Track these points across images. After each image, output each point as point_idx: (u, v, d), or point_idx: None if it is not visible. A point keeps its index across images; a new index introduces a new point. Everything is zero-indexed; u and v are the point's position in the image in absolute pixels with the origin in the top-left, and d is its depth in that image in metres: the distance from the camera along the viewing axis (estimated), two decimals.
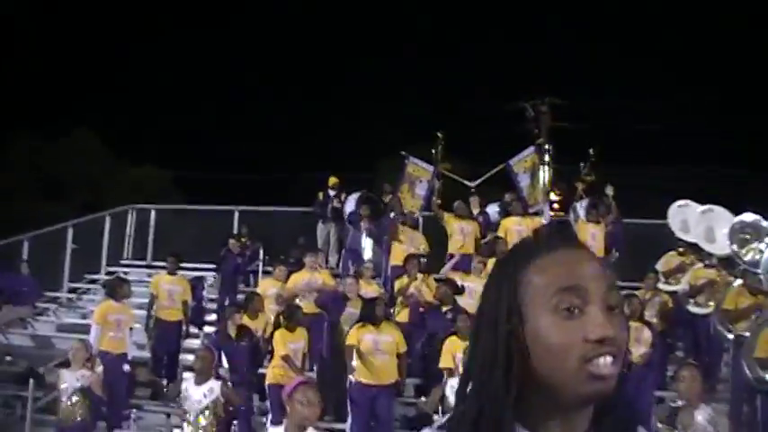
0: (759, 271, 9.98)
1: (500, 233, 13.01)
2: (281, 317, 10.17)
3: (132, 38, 28.91)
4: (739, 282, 10.51)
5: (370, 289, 11.45)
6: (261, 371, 10.53)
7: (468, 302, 10.96)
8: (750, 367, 9.53)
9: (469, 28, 28.06)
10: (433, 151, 13.91)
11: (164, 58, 29.38)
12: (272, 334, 10.23)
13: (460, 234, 12.93)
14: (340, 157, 21.37)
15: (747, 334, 10.02)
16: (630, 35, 28.38)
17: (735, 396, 10.72)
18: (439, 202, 13.51)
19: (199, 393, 7.60)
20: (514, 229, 12.92)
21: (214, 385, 7.65)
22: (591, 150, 13.92)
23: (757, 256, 9.98)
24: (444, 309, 10.68)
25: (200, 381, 7.73)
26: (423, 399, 9.85)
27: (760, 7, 25.27)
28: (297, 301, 11.29)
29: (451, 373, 8.88)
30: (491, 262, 12.10)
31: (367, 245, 13.13)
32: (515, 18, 28.15)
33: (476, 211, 13.59)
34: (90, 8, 28.05)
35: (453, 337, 9.40)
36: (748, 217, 10.48)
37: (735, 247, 10.14)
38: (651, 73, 27.28)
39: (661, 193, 13.60)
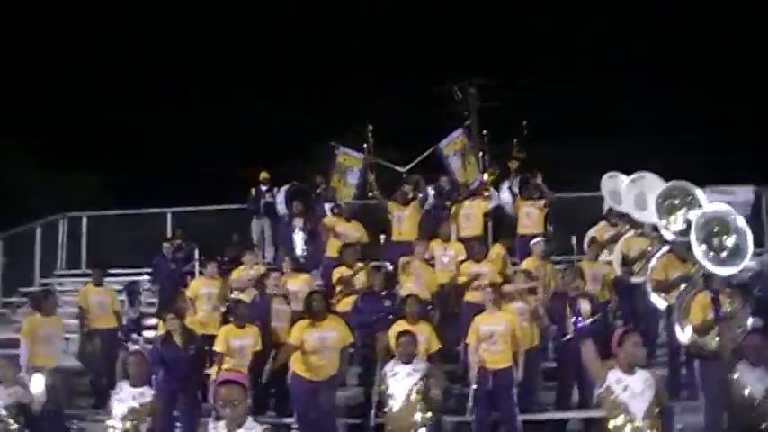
0: (688, 239, 10.09)
1: (452, 219, 13.05)
2: (228, 314, 10.08)
3: (49, 37, 28.10)
4: (666, 249, 10.65)
5: (297, 282, 11.30)
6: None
7: (411, 287, 11.05)
8: (684, 334, 9.70)
9: (392, 12, 27.95)
10: (365, 145, 13.87)
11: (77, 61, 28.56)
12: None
13: (397, 221, 12.94)
14: (271, 150, 21.22)
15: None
16: (558, 11, 28.63)
17: (671, 359, 10.96)
18: (376, 192, 13.44)
19: (129, 397, 7.53)
20: (462, 213, 12.99)
21: (145, 391, 7.60)
22: (524, 123, 14.02)
23: (684, 225, 10.09)
24: (382, 293, 10.62)
25: (134, 384, 7.67)
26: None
27: None
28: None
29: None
30: (434, 244, 12.19)
31: (298, 239, 13.04)
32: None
33: (410, 197, 13.58)
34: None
35: (401, 321, 9.41)
36: (676, 183, 10.57)
37: (662, 216, 10.18)
38: (578, 49, 27.56)
39: (589, 167, 13.65)
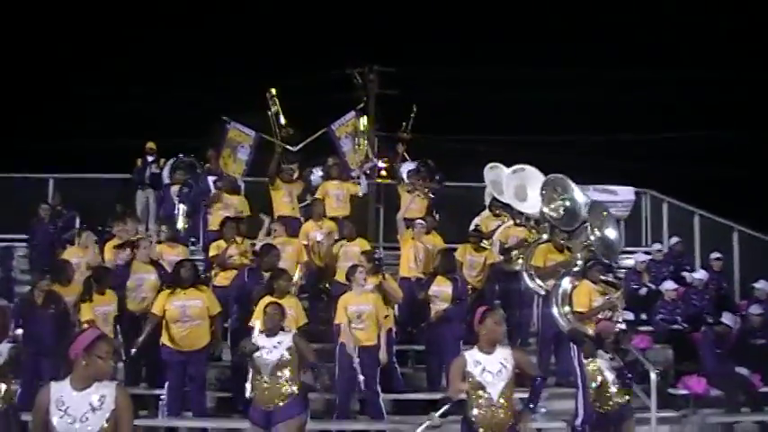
0: (573, 225, 10.45)
1: (318, 195, 13.03)
2: (91, 280, 9.84)
3: None
4: (545, 237, 10.96)
5: (174, 252, 11.20)
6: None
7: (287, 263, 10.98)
8: (563, 320, 9.98)
9: None
10: (269, 112, 13.54)
11: None
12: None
13: (288, 197, 12.86)
14: (164, 125, 20.78)
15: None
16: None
17: (543, 347, 11.23)
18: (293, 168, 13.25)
19: None
20: (333, 192, 13.02)
21: (2, 348, 7.31)
22: (414, 107, 14.15)
23: (561, 212, 10.42)
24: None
25: None
26: None
27: None
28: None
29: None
30: (307, 224, 12.27)
31: (180, 210, 12.85)
32: None
33: (295, 176, 13.51)
34: None
35: (268, 297, 9.34)
36: (556, 175, 10.88)
37: (544, 203, 10.48)
38: (477, 40, 27.92)
39: (485, 159, 13.78)
